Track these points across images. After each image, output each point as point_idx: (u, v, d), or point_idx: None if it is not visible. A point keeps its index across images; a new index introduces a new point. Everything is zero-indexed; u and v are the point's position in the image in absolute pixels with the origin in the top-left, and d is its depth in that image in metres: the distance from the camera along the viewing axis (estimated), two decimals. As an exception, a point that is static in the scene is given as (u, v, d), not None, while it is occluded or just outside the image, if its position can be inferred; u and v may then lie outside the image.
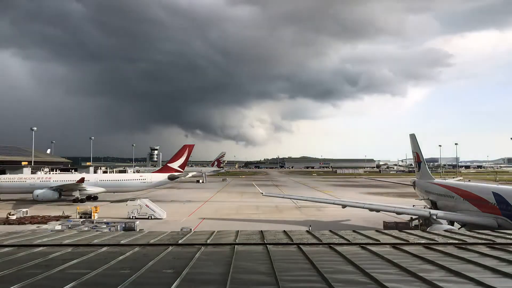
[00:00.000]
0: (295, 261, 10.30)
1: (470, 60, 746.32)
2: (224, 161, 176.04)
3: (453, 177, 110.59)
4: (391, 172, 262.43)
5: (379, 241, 12.94)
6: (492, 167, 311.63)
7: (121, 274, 8.60)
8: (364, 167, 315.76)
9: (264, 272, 8.93)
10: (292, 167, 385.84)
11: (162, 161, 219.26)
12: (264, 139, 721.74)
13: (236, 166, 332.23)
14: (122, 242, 13.07)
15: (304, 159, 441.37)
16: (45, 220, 52.04)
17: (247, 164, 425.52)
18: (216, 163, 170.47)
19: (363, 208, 43.97)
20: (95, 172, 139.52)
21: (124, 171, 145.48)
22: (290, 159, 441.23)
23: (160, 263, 9.91)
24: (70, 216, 53.94)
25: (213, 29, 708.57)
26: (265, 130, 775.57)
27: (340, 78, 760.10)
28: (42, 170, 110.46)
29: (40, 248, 11.91)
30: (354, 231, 15.37)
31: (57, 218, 52.63)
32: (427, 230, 30.03)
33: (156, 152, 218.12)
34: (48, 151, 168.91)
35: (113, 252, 11.39)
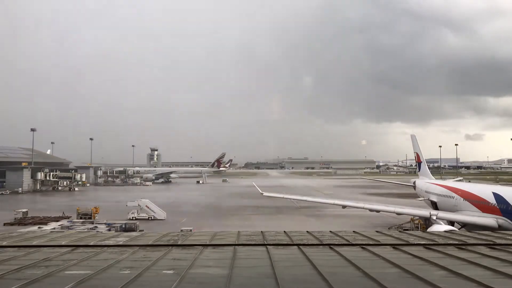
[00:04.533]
0: (296, 261, 10.29)
1: None
2: (224, 162, 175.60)
3: (453, 178, 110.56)
4: (391, 173, 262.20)
5: (379, 241, 12.93)
6: (492, 167, 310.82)
7: (121, 275, 8.58)
8: (364, 168, 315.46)
9: (265, 273, 8.92)
10: (292, 168, 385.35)
11: (162, 162, 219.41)
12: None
13: (236, 166, 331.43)
14: (122, 243, 13.05)
15: (304, 160, 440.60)
16: (45, 220, 52.02)
17: (247, 164, 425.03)
18: (216, 163, 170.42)
19: (363, 208, 43.94)
20: (95, 172, 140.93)
21: (124, 172, 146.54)
22: (290, 160, 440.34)
23: (160, 264, 9.89)
24: (70, 217, 53.84)
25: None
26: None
27: None
28: (42, 171, 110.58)
29: (40, 249, 11.89)
30: (354, 231, 15.37)
31: (57, 219, 52.51)
32: (427, 230, 30.07)
33: (156, 153, 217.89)
34: (48, 151, 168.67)
35: (113, 253, 11.38)
